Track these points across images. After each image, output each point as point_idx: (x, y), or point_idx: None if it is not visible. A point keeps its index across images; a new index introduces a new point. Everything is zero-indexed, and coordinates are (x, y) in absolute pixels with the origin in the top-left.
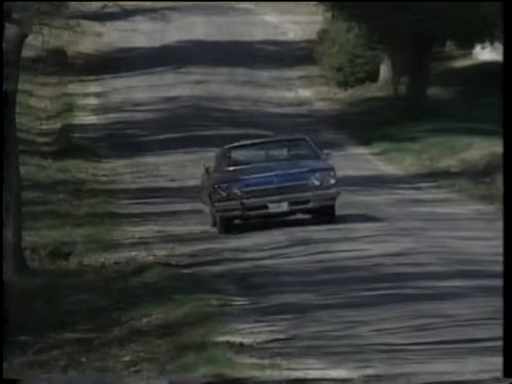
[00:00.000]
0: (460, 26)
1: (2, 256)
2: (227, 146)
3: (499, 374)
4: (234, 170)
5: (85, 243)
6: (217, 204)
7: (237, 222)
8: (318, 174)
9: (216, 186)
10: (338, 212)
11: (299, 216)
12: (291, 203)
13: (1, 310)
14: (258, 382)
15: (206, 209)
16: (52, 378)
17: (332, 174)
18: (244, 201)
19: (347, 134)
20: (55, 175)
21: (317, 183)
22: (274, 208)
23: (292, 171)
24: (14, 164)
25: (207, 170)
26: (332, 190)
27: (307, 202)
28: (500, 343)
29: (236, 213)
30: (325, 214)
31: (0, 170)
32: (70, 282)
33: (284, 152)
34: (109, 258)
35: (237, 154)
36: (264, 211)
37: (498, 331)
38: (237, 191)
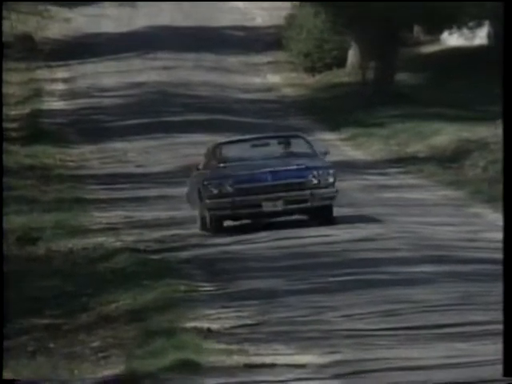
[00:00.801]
0: (428, 12)
1: (2, 255)
2: (219, 142)
3: (466, 360)
4: (226, 167)
5: (53, 229)
6: (207, 201)
7: (228, 223)
8: (315, 172)
9: (206, 183)
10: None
11: (295, 217)
12: (287, 202)
13: (1, 309)
14: None
15: (195, 212)
16: (51, 378)
17: (331, 172)
18: (236, 198)
19: (315, 120)
20: (23, 161)
21: (314, 182)
22: (268, 207)
23: (288, 168)
24: None
25: (197, 168)
26: (330, 190)
27: (304, 201)
28: (467, 328)
29: (227, 211)
30: (322, 215)
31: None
32: (38, 268)
33: (279, 149)
34: (77, 244)
35: (229, 150)
36: (257, 210)
37: (465, 317)
38: (228, 188)
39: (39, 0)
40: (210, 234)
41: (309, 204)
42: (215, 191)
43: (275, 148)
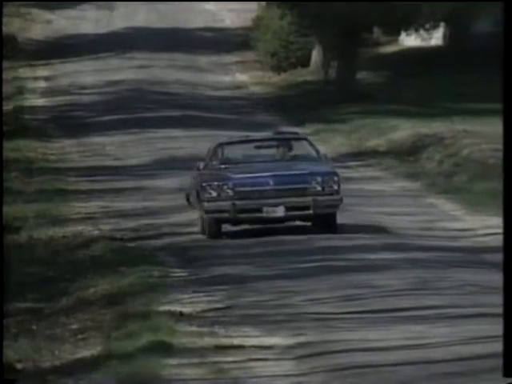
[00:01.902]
0: (387, 14)
1: (2, 254)
2: (220, 142)
3: (422, 342)
4: (227, 168)
5: (35, 218)
6: (205, 204)
7: (227, 228)
8: (319, 178)
9: (205, 185)
10: None
11: (297, 223)
12: (288, 208)
13: (1, 310)
14: None
15: (197, 213)
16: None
17: (335, 179)
18: (236, 202)
19: (281, 116)
20: (7, 154)
21: (318, 188)
22: (268, 212)
23: (291, 173)
24: None
25: (197, 168)
26: (334, 197)
27: (306, 208)
28: (422, 312)
29: (226, 215)
30: (324, 223)
31: None
32: (21, 255)
33: (283, 152)
34: (57, 232)
35: (230, 151)
36: (257, 215)
37: (421, 301)
38: (228, 191)
39: (37, 0)
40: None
41: (311, 211)
42: (214, 194)
43: (279, 150)
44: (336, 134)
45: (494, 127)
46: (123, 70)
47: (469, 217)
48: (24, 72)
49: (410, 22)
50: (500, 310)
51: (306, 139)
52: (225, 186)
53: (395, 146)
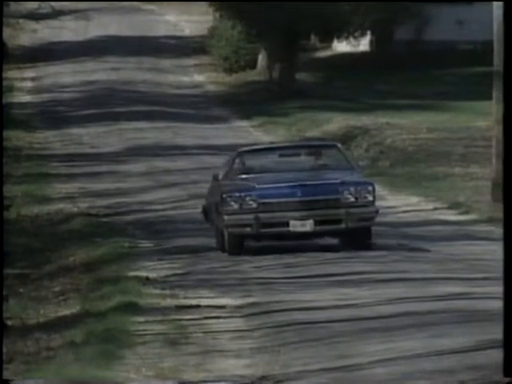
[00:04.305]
0: (322, 23)
1: (2, 264)
2: (241, 150)
3: (350, 302)
4: (249, 178)
5: (22, 197)
6: (226, 218)
7: (249, 244)
8: (352, 189)
9: (225, 196)
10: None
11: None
12: (317, 222)
13: (0, 311)
14: None
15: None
16: (49, 378)
17: (370, 189)
18: (260, 215)
19: (231, 111)
20: None
21: (351, 199)
22: (295, 226)
23: (320, 183)
24: None
25: (215, 178)
26: (369, 209)
27: (338, 221)
28: (350, 277)
29: (249, 229)
30: (358, 238)
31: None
32: (10, 229)
33: (311, 160)
34: (42, 210)
35: (253, 160)
36: (283, 229)
37: (349, 267)
38: (251, 203)
39: (37, 0)
40: (229, 254)
41: (343, 225)
42: (236, 206)
43: (306, 159)
44: (278, 126)
45: (412, 120)
46: (98, 71)
47: (391, 196)
48: (13, 73)
49: (342, 31)
50: (415, 276)
51: (335, 146)
52: (247, 198)
53: (329, 136)
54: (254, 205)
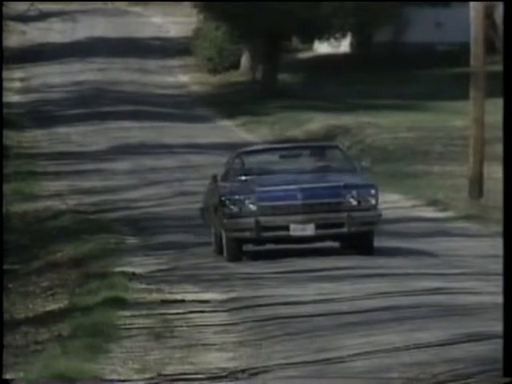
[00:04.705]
0: (303, 25)
1: (2, 265)
2: (240, 151)
3: (332, 297)
4: (249, 180)
5: (12, 195)
6: (225, 221)
7: (249, 248)
8: (355, 192)
9: (224, 199)
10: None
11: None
12: (319, 226)
13: (1, 311)
14: None
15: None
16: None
17: (373, 192)
18: (260, 218)
19: (216, 110)
20: None
21: (354, 203)
22: (296, 230)
23: (322, 185)
24: None
25: (214, 179)
26: (372, 213)
27: (340, 225)
28: (332, 273)
29: (249, 233)
30: (360, 243)
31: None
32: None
33: (312, 161)
34: (30, 207)
35: (253, 161)
36: (284, 233)
37: (331, 263)
38: (251, 206)
39: (35, 0)
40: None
41: (345, 229)
42: (235, 209)
43: (307, 160)
44: (261, 125)
45: (392, 119)
46: (85, 72)
47: None
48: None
49: (323, 33)
50: (395, 271)
51: (337, 147)
52: (247, 201)
53: (310, 134)
54: (254, 208)
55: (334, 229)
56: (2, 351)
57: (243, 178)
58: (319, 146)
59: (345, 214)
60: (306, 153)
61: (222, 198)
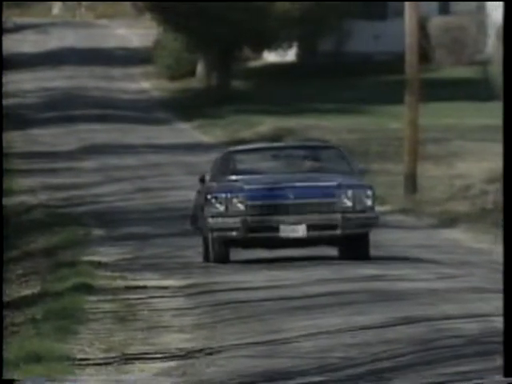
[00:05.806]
0: (254, 36)
1: (2, 265)
2: (230, 150)
3: (280, 283)
4: (238, 179)
5: None
6: (210, 220)
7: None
8: (350, 192)
9: (210, 197)
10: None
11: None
12: (311, 227)
13: (1, 310)
14: None
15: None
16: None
17: (369, 193)
18: (248, 218)
19: (174, 114)
20: None
21: (348, 204)
22: (286, 231)
23: (315, 185)
24: None
25: (202, 179)
26: (368, 215)
27: (333, 227)
28: (280, 262)
29: (235, 233)
30: (354, 247)
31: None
32: None
33: (306, 162)
34: (6, 202)
35: (243, 161)
36: (273, 234)
37: (280, 253)
38: (239, 205)
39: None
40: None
41: (339, 231)
42: (221, 208)
43: (301, 160)
44: (216, 127)
45: (334, 122)
46: (56, 79)
47: None
48: None
49: (271, 43)
50: (339, 260)
51: (333, 148)
52: (234, 199)
53: (260, 136)
54: (242, 207)
55: (326, 231)
56: (1, 351)
57: (233, 177)
58: (313, 146)
59: (338, 216)
60: (300, 153)
61: (208, 196)
